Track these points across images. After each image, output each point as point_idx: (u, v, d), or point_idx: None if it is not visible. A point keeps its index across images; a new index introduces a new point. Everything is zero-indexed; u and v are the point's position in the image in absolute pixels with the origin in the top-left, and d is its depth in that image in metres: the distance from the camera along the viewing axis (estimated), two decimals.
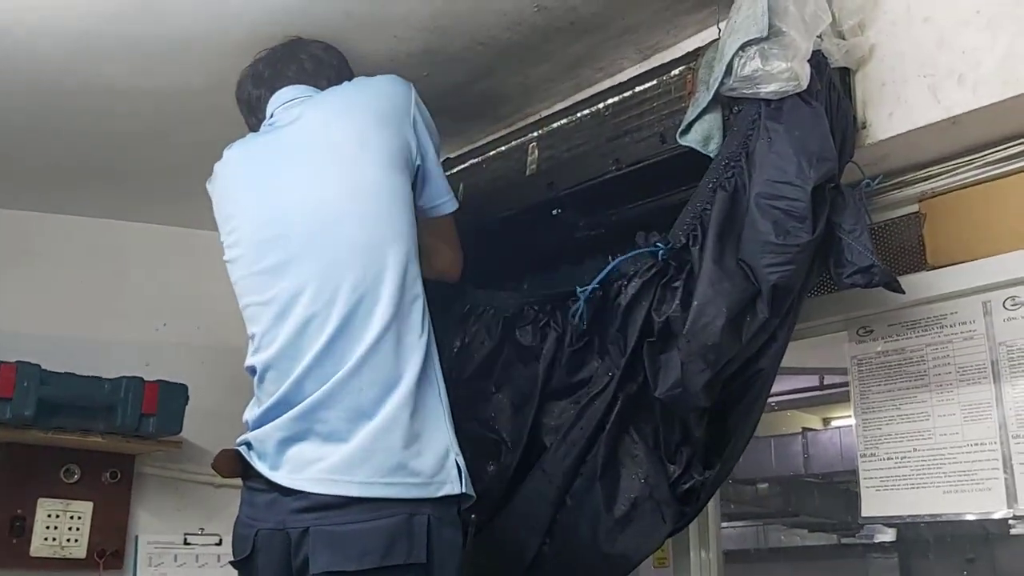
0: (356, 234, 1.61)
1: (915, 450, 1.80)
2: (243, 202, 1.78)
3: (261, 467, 1.61)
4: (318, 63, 1.88)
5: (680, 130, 1.71)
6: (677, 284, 1.61)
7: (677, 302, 1.60)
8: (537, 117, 2.20)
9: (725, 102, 1.67)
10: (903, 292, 1.68)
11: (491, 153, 2.16)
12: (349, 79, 1.89)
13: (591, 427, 1.70)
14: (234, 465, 1.68)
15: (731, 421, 1.66)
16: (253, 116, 1.91)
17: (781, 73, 1.54)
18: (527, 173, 2.03)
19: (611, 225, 1.97)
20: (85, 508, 2.85)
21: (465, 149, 2.32)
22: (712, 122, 1.69)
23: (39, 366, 2.63)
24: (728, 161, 1.62)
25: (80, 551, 2.81)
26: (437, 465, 1.54)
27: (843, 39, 1.71)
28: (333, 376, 1.56)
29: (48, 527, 2.78)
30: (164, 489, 2.99)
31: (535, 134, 2.05)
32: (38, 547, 2.76)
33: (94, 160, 2.68)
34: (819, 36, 1.64)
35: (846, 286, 1.64)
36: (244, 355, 3.33)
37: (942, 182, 1.80)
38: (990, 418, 1.71)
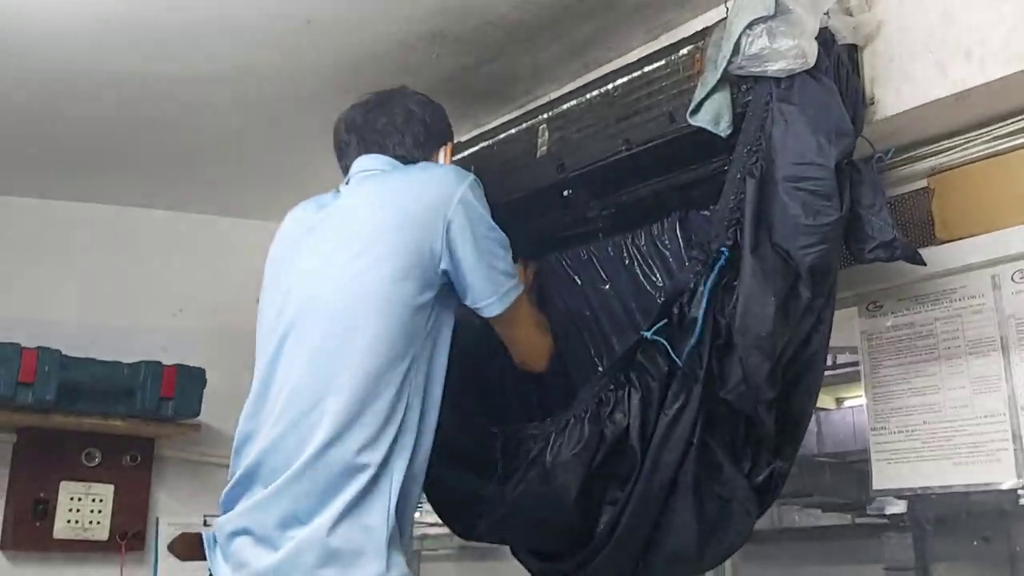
0: (329, 335, 1.57)
1: (925, 423, 1.82)
2: (275, 266, 1.80)
3: (215, 558, 1.61)
4: (408, 117, 1.83)
5: (690, 110, 1.72)
6: (736, 283, 1.59)
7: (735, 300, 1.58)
8: (547, 99, 2.21)
9: (734, 81, 1.68)
10: (924, 264, 1.68)
11: (501, 136, 2.16)
12: (441, 136, 1.87)
13: (680, 445, 1.63)
14: (192, 550, 1.68)
15: (795, 408, 1.64)
16: (342, 161, 1.89)
17: (788, 51, 1.55)
18: (537, 155, 2.04)
19: (622, 205, 1.99)
20: (106, 491, 2.90)
21: (475, 132, 2.33)
22: (721, 101, 1.70)
23: (59, 351, 2.67)
24: (750, 147, 1.61)
25: (102, 533, 2.87)
26: None
27: (850, 15, 1.72)
28: (278, 477, 1.53)
29: (71, 510, 2.84)
30: (184, 472, 3.03)
31: (545, 116, 2.06)
32: (61, 529, 2.82)
33: (112, 147, 2.71)
34: (826, 13, 1.64)
35: (868, 261, 1.64)
36: None
37: (950, 157, 1.81)
38: (999, 391, 1.72)
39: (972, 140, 1.78)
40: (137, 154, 2.76)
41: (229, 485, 1.64)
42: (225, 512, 1.62)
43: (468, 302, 1.66)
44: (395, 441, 1.53)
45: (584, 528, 1.71)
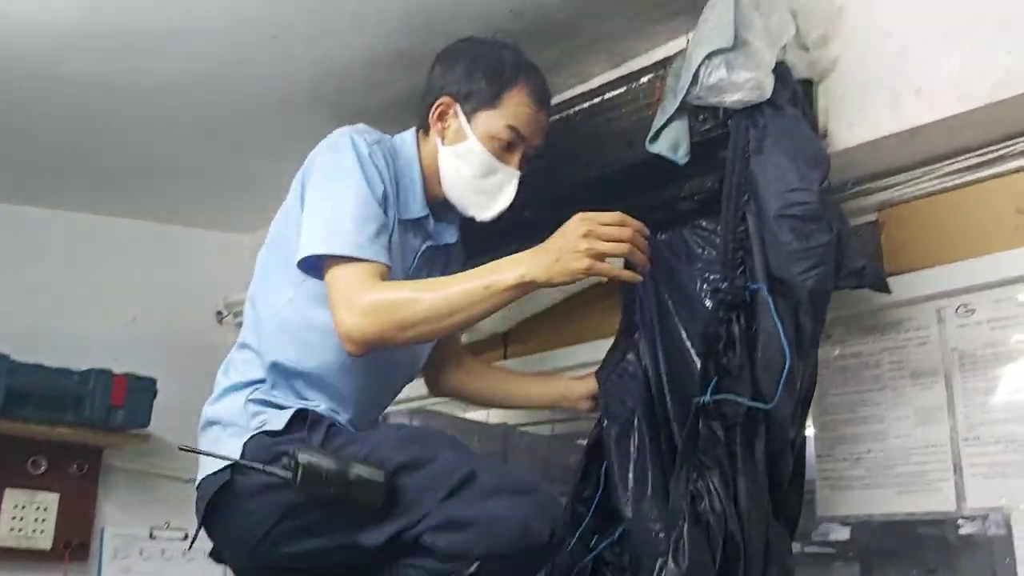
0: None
1: (870, 451, 1.85)
2: None
3: None
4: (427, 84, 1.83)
5: (649, 137, 1.75)
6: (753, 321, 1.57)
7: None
8: None
9: (692, 110, 1.72)
10: (890, 292, 1.73)
11: None
12: (431, 99, 1.78)
13: (764, 508, 1.57)
14: None
15: (797, 441, 1.65)
16: None
17: (745, 83, 1.59)
18: None
19: None
20: (51, 499, 2.85)
21: None
22: (679, 129, 1.74)
23: (7, 356, 2.63)
24: (739, 185, 1.63)
25: (46, 542, 2.82)
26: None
27: (806, 51, 1.76)
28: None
29: (14, 517, 2.78)
30: (131, 482, 2.99)
31: None
32: (4, 536, 2.76)
33: (70, 152, 2.68)
34: (783, 47, 1.68)
35: (838, 287, 1.65)
36: (214, 350, 3.33)
37: (900, 192, 1.85)
38: (942, 422, 1.76)
39: (921, 176, 1.83)
40: (95, 160, 2.73)
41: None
42: None
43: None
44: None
45: None
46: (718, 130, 1.69)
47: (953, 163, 1.79)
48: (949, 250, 1.79)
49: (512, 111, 1.72)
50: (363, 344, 1.52)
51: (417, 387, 2.04)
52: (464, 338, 2.55)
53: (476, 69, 1.73)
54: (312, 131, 2.51)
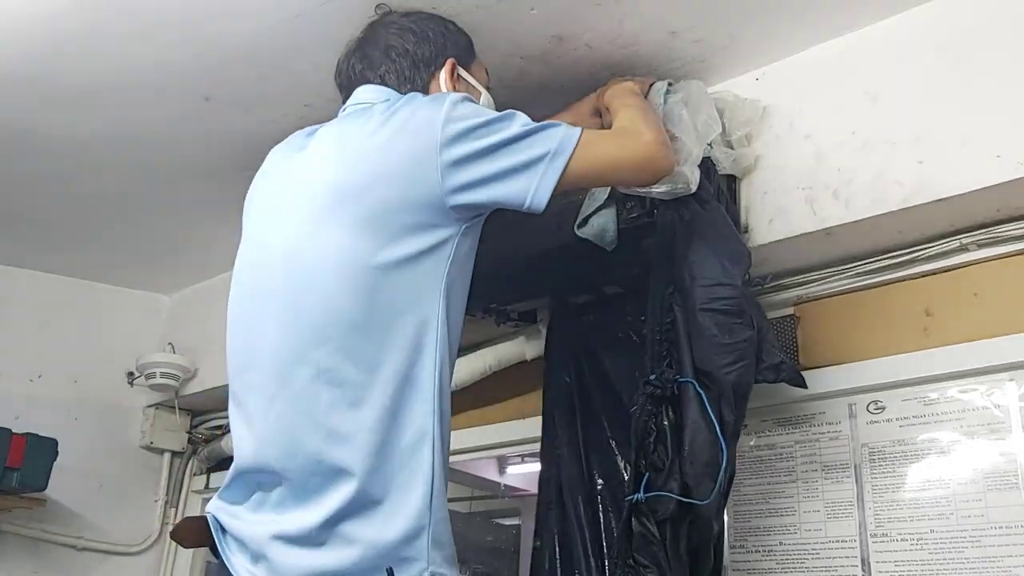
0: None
1: (781, 544, 1.86)
2: (247, 228, 1.59)
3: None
4: (387, 53, 1.60)
5: (577, 223, 1.78)
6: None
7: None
8: None
9: (620, 199, 1.75)
10: (806, 387, 1.76)
11: None
12: (433, 59, 1.60)
13: None
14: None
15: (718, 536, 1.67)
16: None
17: (672, 175, 1.62)
18: None
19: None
20: None
21: None
22: (608, 216, 1.77)
23: None
24: (667, 278, 1.66)
25: None
26: None
27: (731, 148, 1.82)
28: None
29: None
30: (23, 549, 2.85)
31: None
32: None
33: None
34: (709, 144, 1.74)
35: (756, 382, 1.67)
36: (122, 412, 3.22)
37: (816, 288, 1.91)
38: (851, 517, 1.79)
39: (837, 274, 1.88)
40: (10, 210, 2.65)
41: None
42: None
43: (525, 209, 1.44)
44: None
45: None
46: (645, 219, 1.72)
47: (867, 263, 1.85)
48: (862, 347, 1.84)
49: (479, 56, 1.69)
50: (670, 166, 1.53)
51: None
52: None
53: (447, 25, 1.65)
54: (239, 196, 2.50)
